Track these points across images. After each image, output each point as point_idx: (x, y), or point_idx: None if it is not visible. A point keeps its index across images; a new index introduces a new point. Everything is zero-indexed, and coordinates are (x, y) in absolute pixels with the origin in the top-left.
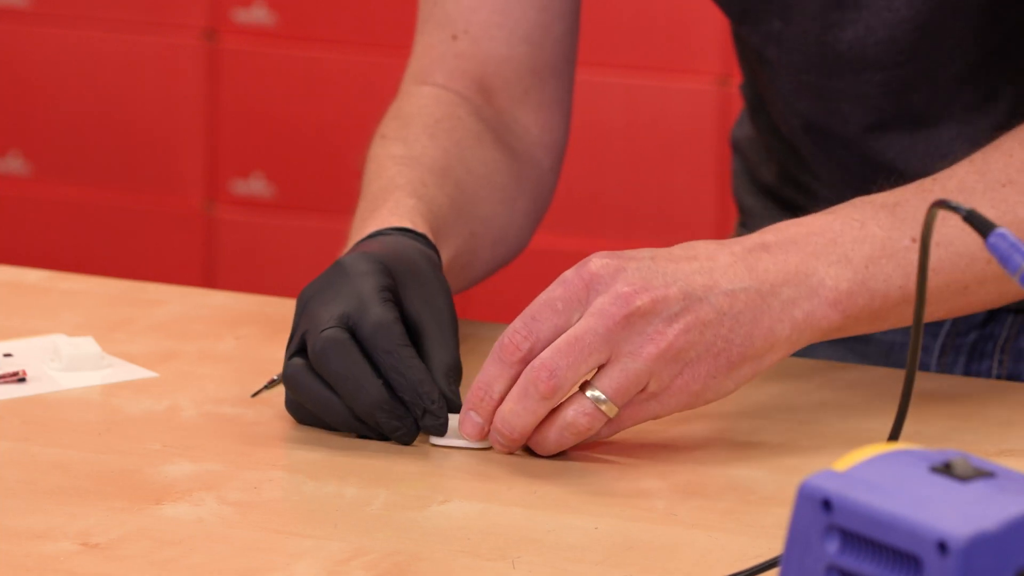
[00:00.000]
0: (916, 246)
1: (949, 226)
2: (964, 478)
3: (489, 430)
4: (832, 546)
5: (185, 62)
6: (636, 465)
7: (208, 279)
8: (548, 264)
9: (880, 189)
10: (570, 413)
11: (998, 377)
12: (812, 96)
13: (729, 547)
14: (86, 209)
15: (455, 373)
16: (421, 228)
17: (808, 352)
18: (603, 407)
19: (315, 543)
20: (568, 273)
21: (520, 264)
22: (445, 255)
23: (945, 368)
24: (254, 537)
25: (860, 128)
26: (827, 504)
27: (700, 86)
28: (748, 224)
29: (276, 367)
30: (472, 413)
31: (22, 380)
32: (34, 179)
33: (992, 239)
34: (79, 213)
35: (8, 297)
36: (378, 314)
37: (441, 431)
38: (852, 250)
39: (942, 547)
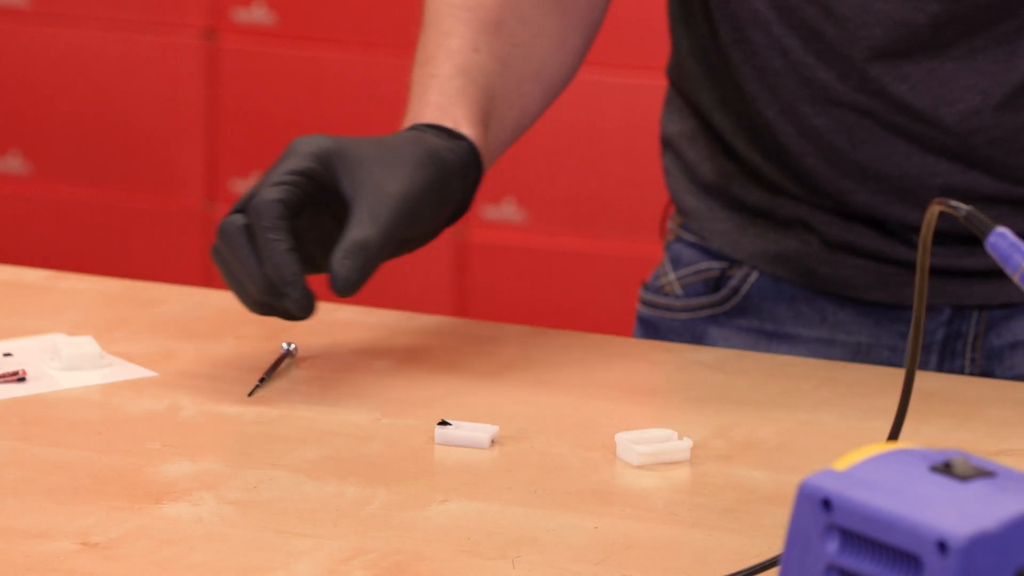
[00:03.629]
0: None
1: None
2: (964, 478)
3: None
4: (832, 545)
5: (185, 62)
6: (636, 465)
7: (208, 279)
8: (548, 264)
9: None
10: None
11: (971, 374)
12: (835, 16)
13: (729, 547)
14: (86, 209)
15: (357, 249)
16: (461, 120)
17: (783, 351)
18: None
19: (315, 543)
20: None
21: (520, 264)
22: (496, 121)
23: (918, 368)
24: (254, 537)
25: (879, 54)
26: (827, 504)
27: None
28: (690, 227)
29: None
30: None
31: (22, 380)
32: (34, 179)
33: (992, 239)
34: (79, 213)
35: (8, 297)
36: (263, 195)
37: (297, 313)
38: None
39: (942, 547)
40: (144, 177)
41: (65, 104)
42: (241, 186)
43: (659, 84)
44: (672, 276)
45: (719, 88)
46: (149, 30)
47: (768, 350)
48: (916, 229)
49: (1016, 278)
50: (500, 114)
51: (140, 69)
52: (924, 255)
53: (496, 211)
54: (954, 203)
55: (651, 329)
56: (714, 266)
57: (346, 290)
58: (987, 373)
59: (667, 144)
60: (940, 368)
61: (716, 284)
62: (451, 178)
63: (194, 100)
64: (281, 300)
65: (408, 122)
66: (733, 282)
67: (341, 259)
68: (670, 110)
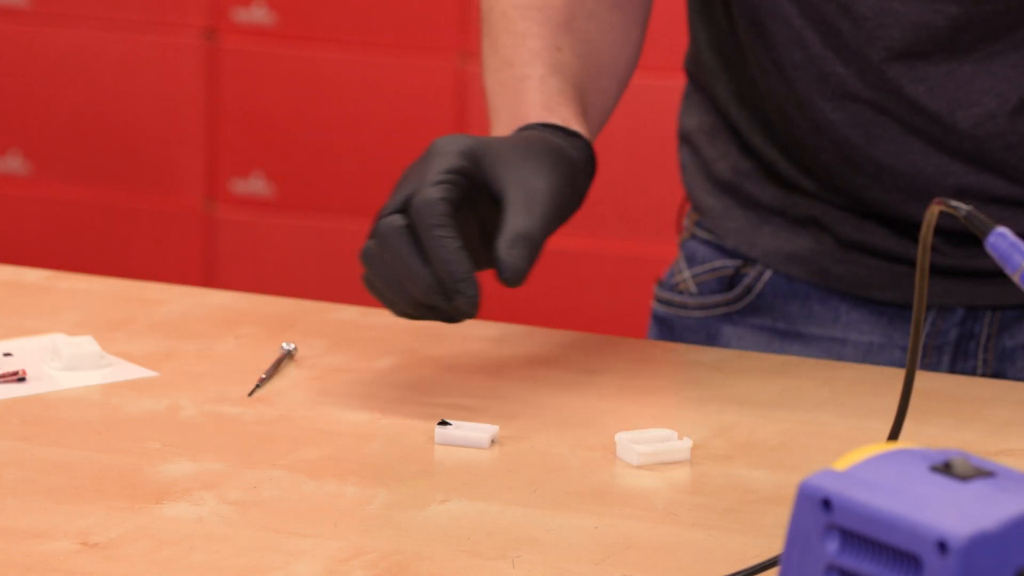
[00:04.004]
0: None
1: None
2: (964, 478)
3: None
4: (832, 545)
5: (185, 62)
6: (636, 465)
7: (208, 279)
8: (548, 264)
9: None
10: None
11: (984, 375)
12: (852, 16)
13: (729, 547)
14: (86, 209)
15: (521, 240)
16: (572, 120)
17: (790, 353)
18: None
19: (315, 543)
20: None
21: None
22: (588, 117)
23: (930, 368)
24: (254, 537)
25: (896, 55)
26: (827, 503)
27: None
28: (705, 225)
29: None
30: None
31: (22, 379)
32: (34, 179)
33: (992, 238)
34: (79, 213)
35: (8, 297)
36: (424, 194)
37: (472, 309)
38: None
39: (942, 546)
40: (144, 177)
41: (65, 104)
42: (241, 186)
43: (668, 84)
44: (687, 274)
45: (736, 81)
46: (149, 30)
47: (781, 349)
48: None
49: (1016, 278)
50: (590, 110)
51: (140, 69)
52: (924, 255)
53: None
54: (954, 203)
55: (666, 327)
56: (728, 264)
57: (516, 279)
58: (999, 374)
59: (684, 139)
60: (952, 369)
61: (730, 282)
62: (578, 174)
63: (194, 100)
64: (450, 299)
65: (512, 123)
66: (747, 280)
67: (508, 249)
68: (688, 104)
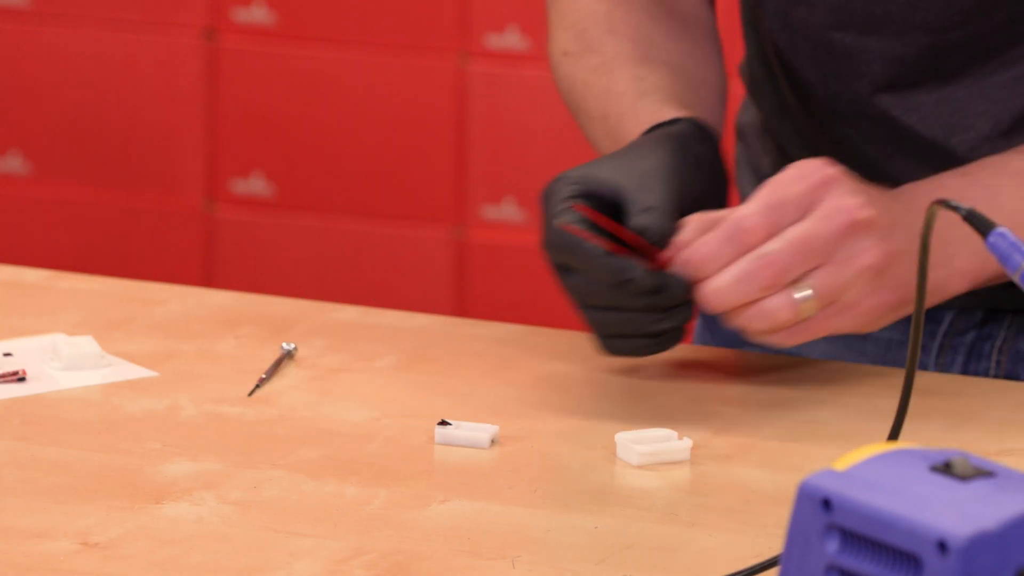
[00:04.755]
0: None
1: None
2: (964, 477)
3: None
4: (832, 545)
5: (185, 62)
6: (636, 465)
7: (208, 279)
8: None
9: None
10: (773, 303)
11: (996, 376)
12: (838, 55)
13: (729, 547)
14: (86, 209)
15: (646, 212)
16: (664, 113)
17: (805, 349)
18: (805, 305)
19: (315, 542)
20: (795, 172)
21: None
22: (679, 109)
23: (943, 368)
24: (254, 536)
25: (885, 85)
26: (827, 503)
27: None
28: None
29: None
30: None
31: (22, 379)
32: (34, 179)
33: (992, 238)
34: (79, 213)
35: (8, 297)
36: (562, 219)
37: (679, 287)
38: None
39: (942, 546)
40: (144, 177)
41: (65, 104)
42: (241, 186)
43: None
44: None
45: (775, 94)
46: (149, 30)
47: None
48: None
49: (1016, 278)
50: (696, 108)
51: (140, 69)
52: (924, 255)
53: (496, 211)
54: (954, 203)
55: (707, 315)
56: None
57: (660, 238)
58: (1012, 376)
59: (739, 134)
60: (965, 370)
61: None
62: (688, 145)
63: (194, 100)
64: (662, 280)
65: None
66: None
67: (638, 219)
68: (744, 104)
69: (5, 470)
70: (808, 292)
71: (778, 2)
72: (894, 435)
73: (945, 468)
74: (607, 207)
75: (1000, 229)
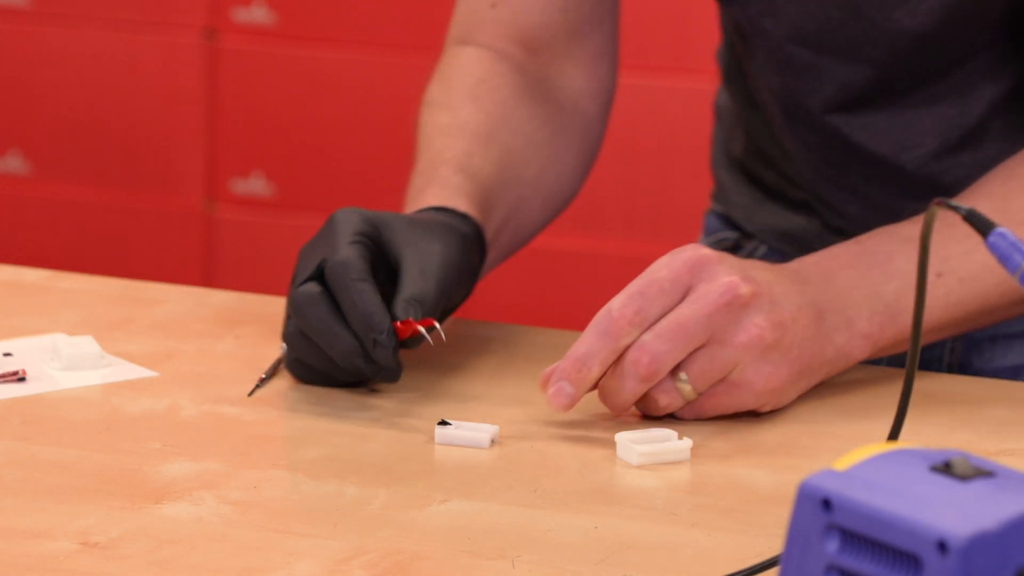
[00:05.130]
0: (941, 280)
1: (973, 261)
2: (964, 478)
3: (577, 402)
4: (832, 545)
5: (185, 62)
6: (636, 465)
7: (208, 278)
8: (548, 264)
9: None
10: (653, 390)
11: (949, 365)
12: (795, 70)
13: (729, 547)
14: (86, 209)
15: (417, 303)
16: (463, 206)
17: None
18: (682, 388)
19: (315, 543)
20: (669, 258)
21: (520, 264)
22: (494, 223)
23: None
24: (254, 536)
25: (836, 106)
26: (827, 503)
27: (700, 85)
28: (719, 197)
29: None
30: (565, 383)
31: (22, 379)
32: (34, 179)
33: (992, 238)
34: (79, 213)
35: (8, 297)
36: (340, 254)
37: (390, 362)
38: (882, 285)
39: (942, 546)
40: (144, 177)
41: (65, 104)
42: (241, 186)
43: (658, 84)
44: (703, 244)
45: (746, 88)
46: (149, 30)
47: None
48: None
49: (1016, 278)
50: (497, 214)
51: (140, 69)
52: (924, 254)
53: None
54: (954, 203)
55: None
56: (730, 236)
57: (407, 344)
58: (965, 363)
59: (717, 114)
60: (920, 357)
61: (731, 252)
62: (471, 247)
63: (194, 100)
64: (368, 360)
65: (410, 209)
66: (743, 253)
67: (402, 313)
68: (721, 87)
69: (5, 470)
70: (682, 375)
71: (748, 9)
72: (894, 435)
73: (945, 468)
74: (379, 257)
75: (1000, 229)
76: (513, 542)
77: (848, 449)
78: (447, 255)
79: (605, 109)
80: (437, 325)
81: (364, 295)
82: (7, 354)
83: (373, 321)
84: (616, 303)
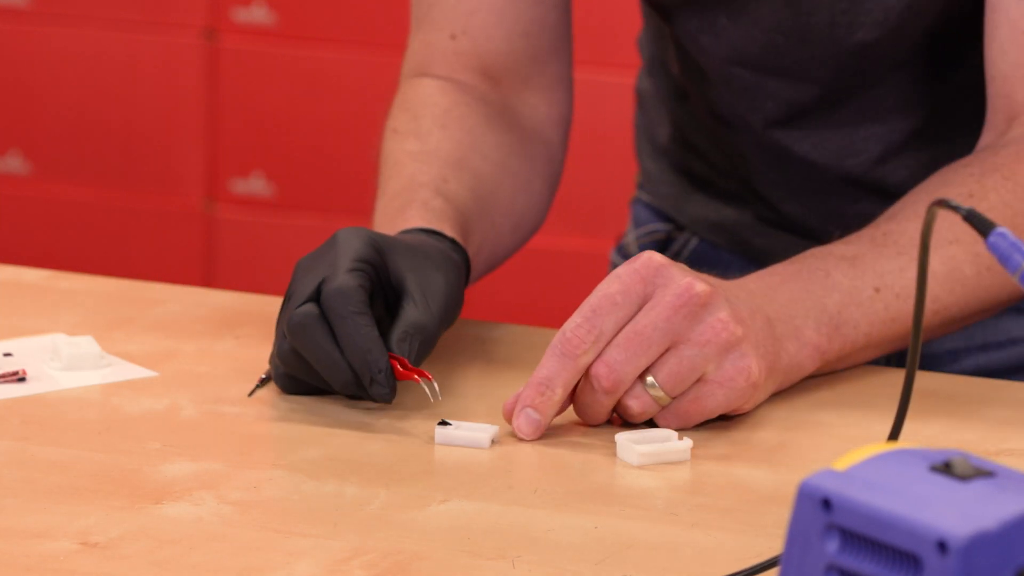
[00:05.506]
0: (879, 295)
1: (907, 278)
2: (964, 477)
3: (545, 428)
4: (832, 545)
5: (185, 62)
6: (636, 465)
7: (208, 278)
8: (548, 264)
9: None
10: (624, 397)
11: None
12: (736, 89)
13: (729, 547)
14: (86, 209)
15: (415, 331)
16: (449, 231)
17: None
18: (654, 393)
19: (315, 542)
20: (620, 270)
21: (520, 264)
22: (472, 248)
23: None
24: (254, 536)
25: (778, 122)
26: (827, 503)
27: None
28: (646, 186)
29: None
30: (530, 410)
31: (22, 380)
32: (34, 179)
33: (992, 238)
34: (79, 213)
35: (8, 297)
36: (339, 281)
37: (387, 399)
38: (824, 298)
39: (942, 546)
40: (144, 177)
41: (65, 104)
42: (241, 186)
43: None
44: (632, 236)
45: (675, 84)
46: (149, 30)
47: None
48: (844, 234)
49: (1016, 278)
50: (474, 240)
51: (140, 69)
52: (924, 254)
53: None
54: (954, 203)
55: None
56: (661, 228)
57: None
58: (927, 352)
59: (639, 100)
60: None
61: (663, 246)
62: (462, 276)
63: (194, 100)
64: (363, 391)
65: (392, 229)
66: (675, 246)
67: (399, 341)
68: (643, 72)
69: (5, 470)
70: (651, 379)
71: (688, 24)
72: (894, 435)
73: (945, 468)
74: (383, 282)
75: (1000, 229)
76: (513, 542)
77: (848, 449)
78: (448, 284)
79: (566, 136)
80: (436, 385)
81: (361, 329)
82: (7, 354)
83: (370, 358)
84: (570, 324)
